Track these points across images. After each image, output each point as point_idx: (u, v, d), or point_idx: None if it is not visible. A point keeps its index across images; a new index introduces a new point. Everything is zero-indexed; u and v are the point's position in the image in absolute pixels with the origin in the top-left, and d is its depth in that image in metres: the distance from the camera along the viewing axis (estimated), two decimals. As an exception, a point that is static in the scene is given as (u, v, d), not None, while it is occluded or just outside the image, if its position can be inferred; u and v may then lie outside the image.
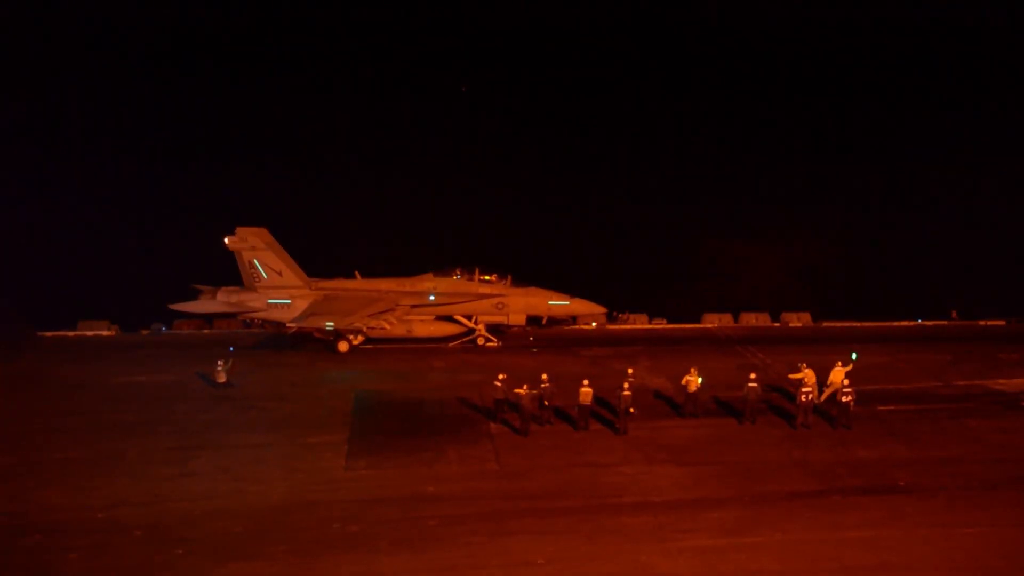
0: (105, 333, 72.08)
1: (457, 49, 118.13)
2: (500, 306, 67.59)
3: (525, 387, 48.42)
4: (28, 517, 38.70)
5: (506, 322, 68.27)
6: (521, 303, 67.74)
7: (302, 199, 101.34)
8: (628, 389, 48.61)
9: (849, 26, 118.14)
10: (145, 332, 72.66)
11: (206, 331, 73.11)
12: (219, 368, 56.14)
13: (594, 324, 73.69)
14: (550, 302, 67.84)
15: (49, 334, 70.72)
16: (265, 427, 49.75)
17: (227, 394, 55.14)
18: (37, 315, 70.73)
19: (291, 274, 66.57)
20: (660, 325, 75.97)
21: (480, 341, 68.35)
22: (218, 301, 66.99)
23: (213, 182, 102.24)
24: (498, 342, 68.45)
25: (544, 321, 69.33)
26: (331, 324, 63.81)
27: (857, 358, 54.09)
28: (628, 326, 75.35)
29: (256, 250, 66.09)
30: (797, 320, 76.55)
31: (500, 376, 50.83)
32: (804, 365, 51.65)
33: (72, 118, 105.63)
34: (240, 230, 65.90)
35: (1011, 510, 40.07)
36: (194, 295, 67.56)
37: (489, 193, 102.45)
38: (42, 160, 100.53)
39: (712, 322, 75.86)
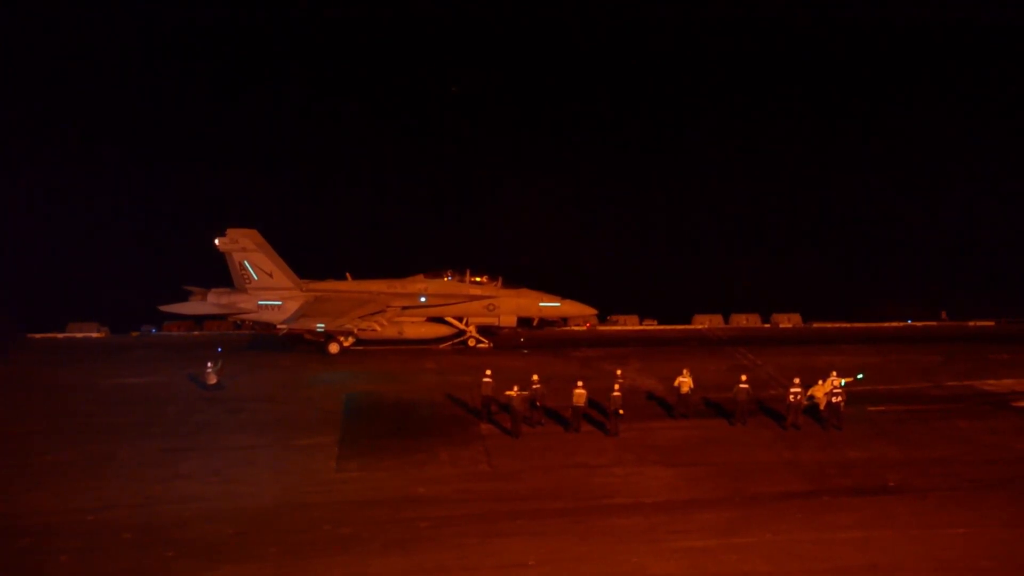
0: (95, 335, 71.82)
1: (448, 50, 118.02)
2: (491, 308, 67.59)
3: (516, 388, 48.42)
4: (18, 519, 38.56)
5: (497, 324, 68.27)
6: (512, 304, 67.71)
7: (293, 200, 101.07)
8: (618, 390, 48.66)
9: (844, 24, 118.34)
10: (135, 334, 72.40)
11: (196, 333, 72.90)
12: (209, 370, 55.97)
13: (587, 325, 73.65)
14: (541, 303, 67.82)
15: (38, 336, 70.49)
16: (256, 429, 49.66)
17: (217, 396, 55.01)
18: (26, 317, 70.50)
19: (282, 275, 66.42)
20: (651, 326, 75.98)
21: (471, 343, 68.34)
22: (208, 303, 66.79)
23: (203, 183, 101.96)
24: (489, 343, 68.43)
25: (535, 323, 69.34)
26: (322, 326, 63.71)
27: (863, 378, 54.08)
28: (619, 327, 75.36)
29: (247, 251, 65.91)
30: (787, 321, 76.66)
31: (487, 372, 50.93)
32: (798, 380, 51.07)
33: (62, 119, 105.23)
34: (231, 231, 65.69)
35: (1001, 510, 40.24)
36: (185, 296, 67.40)
37: (480, 194, 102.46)
38: (32, 161, 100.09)
39: (703, 323, 75.93)
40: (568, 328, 73.47)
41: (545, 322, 70.16)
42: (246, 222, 66.69)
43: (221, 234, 65.68)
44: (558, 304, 67.85)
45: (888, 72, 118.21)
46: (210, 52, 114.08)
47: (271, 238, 66.68)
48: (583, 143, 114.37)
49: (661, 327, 75.92)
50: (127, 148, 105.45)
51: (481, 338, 68.57)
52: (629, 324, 75.93)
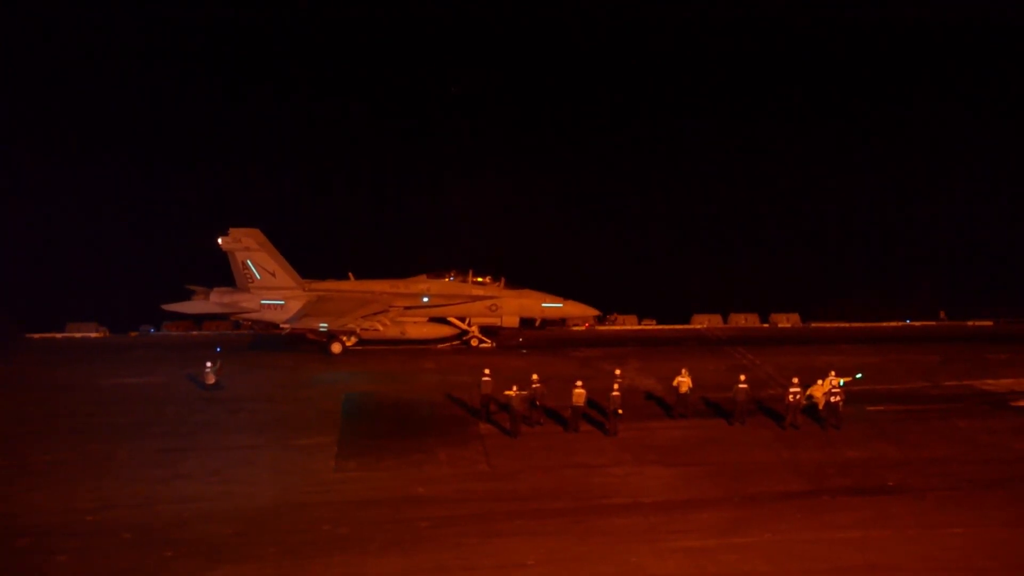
0: (94, 335, 71.80)
1: (448, 50, 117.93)
2: (494, 308, 67.61)
3: (515, 388, 48.43)
4: (17, 519, 38.59)
5: (499, 324, 68.29)
6: (515, 305, 67.75)
7: (293, 200, 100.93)
8: (617, 390, 48.68)
9: (844, 24, 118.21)
10: (134, 334, 72.37)
11: (195, 333, 72.90)
12: (208, 370, 56.00)
13: (586, 325, 73.65)
14: (543, 304, 67.89)
15: (37, 336, 70.47)
16: (255, 429, 49.69)
17: (216, 396, 55.01)
18: (25, 317, 70.48)
19: (284, 275, 66.40)
20: (650, 326, 76.02)
21: (474, 343, 68.34)
22: (211, 302, 66.80)
23: (202, 183, 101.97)
24: (492, 343, 68.42)
25: (538, 323, 69.42)
26: (325, 325, 63.75)
27: (862, 378, 54.09)
28: (618, 327, 75.39)
29: (250, 251, 65.88)
30: (786, 321, 76.72)
31: (486, 372, 51.02)
32: (797, 380, 51.08)
33: (62, 119, 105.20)
34: (233, 231, 65.70)
35: (1000, 510, 40.25)
36: (187, 296, 67.38)
37: (479, 195, 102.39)
38: (33, 161, 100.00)
39: (701, 323, 75.96)
40: (567, 328, 73.47)
41: (547, 322, 70.21)
42: (246, 221, 66.73)
43: (222, 233, 65.65)
44: (560, 305, 67.92)
45: (888, 72, 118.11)
46: (210, 52, 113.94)
47: (272, 237, 66.61)
48: (583, 143, 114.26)
49: (660, 327, 75.95)
50: (127, 148, 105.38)
51: (484, 338, 68.58)
52: (628, 324, 75.95)
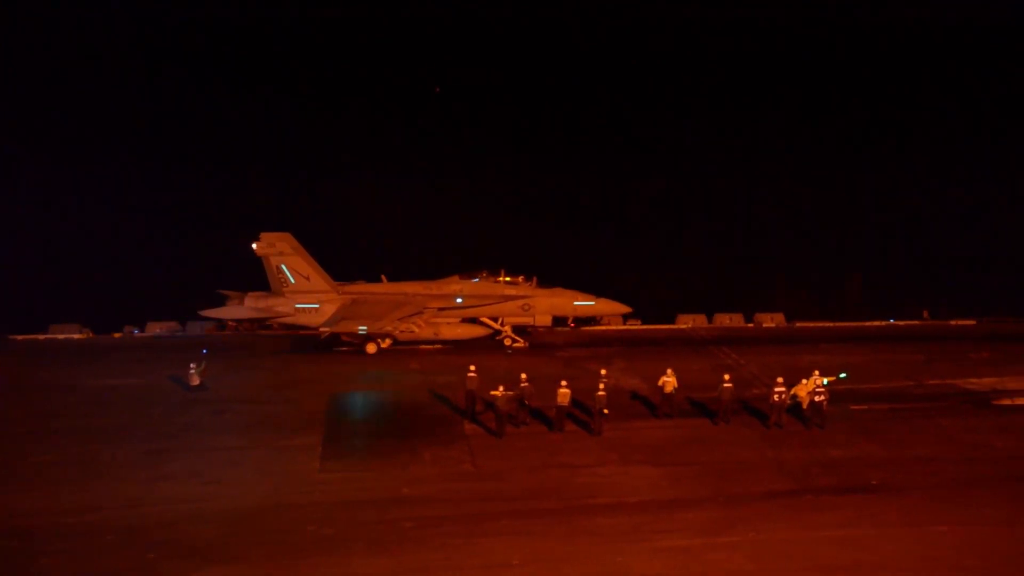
0: (77, 336, 71.51)
1: (448, 50, 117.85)
2: (526, 307, 67.54)
3: (501, 388, 48.43)
4: (1, 522, 38.36)
5: (532, 323, 68.23)
6: (547, 304, 67.67)
7: (322, 204, 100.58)
8: (603, 390, 48.74)
9: (844, 25, 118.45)
10: (117, 336, 72.15)
11: (179, 334, 72.72)
12: (192, 371, 55.88)
13: (571, 325, 73.61)
14: (576, 302, 67.80)
15: (20, 338, 70.16)
16: (240, 430, 49.60)
17: (201, 397, 54.89)
18: (7, 319, 70.20)
19: (318, 278, 66.46)
20: (635, 326, 76.05)
21: (507, 342, 68.28)
22: (246, 307, 66.88)
23: (204, 183, 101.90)
24: (525, 343, 68.29)
25: (570, 322, 69.45)
26: (364, 329, 63.73)
27: (846, 377, 54.22)
28: (603, 327, 75.38)
29: (284, 255, 65.98)
30: (771, 320, 76.86)
31: (471, 368, 51.00)
32: (781, 380, 51.12)
33: (60, 117, 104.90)
34: (265, 235, 65.93)
35: (984, 508, 40.41)
36: (221, 301, 67.39)
37: (485, 195, 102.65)
38: (34, 162, 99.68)
39: (686, 323, 76.02)
40: (553, 328, 73.37)
41: (580, 321, 70.24)
42: (248, 223, 66.98)
43: (256, 239, 65.92)
44: (593, 303, 67.86)
45: (888, 72, 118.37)
46: (213, 52, 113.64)
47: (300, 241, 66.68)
48: (581, 142, 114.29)
49: (645, 327, 75.99)
50: (124, 148, 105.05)
51: (516, 337, 68.48)
52: (613, 324, 75.95)
